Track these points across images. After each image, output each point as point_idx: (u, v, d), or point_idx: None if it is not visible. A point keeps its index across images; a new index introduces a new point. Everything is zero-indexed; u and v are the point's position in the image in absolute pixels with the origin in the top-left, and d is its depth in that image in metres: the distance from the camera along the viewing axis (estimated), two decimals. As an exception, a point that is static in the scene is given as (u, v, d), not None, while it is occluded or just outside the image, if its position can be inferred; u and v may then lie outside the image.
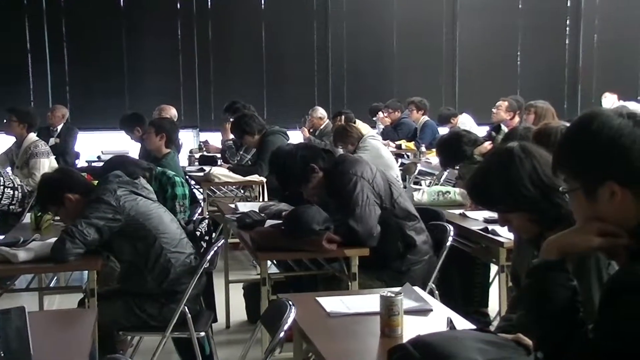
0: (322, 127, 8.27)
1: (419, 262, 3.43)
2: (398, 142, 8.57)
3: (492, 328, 2.27)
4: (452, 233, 3.45)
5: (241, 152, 6.65)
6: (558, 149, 1.58)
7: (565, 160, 1.55)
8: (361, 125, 8.08)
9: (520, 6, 11.22)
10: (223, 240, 3.50)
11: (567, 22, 11.36)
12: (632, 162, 1.44)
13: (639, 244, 1.46)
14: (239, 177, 5.85)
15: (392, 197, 3.43)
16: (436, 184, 5.87)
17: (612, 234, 1.50)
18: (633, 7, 11.29)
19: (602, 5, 11.30)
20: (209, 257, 3.18)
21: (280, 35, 10.60)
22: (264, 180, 5.71)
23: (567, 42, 11.41)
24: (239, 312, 4.37)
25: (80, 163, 7.66)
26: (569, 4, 11.34)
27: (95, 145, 8.65)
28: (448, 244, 3.43)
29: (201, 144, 8.35)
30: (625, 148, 1.44)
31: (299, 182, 3.43)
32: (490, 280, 4.19)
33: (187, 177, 5.69)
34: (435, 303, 2.36)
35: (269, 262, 3.70)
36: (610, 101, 9.74)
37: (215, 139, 8.68)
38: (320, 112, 8.47)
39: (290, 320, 2.08)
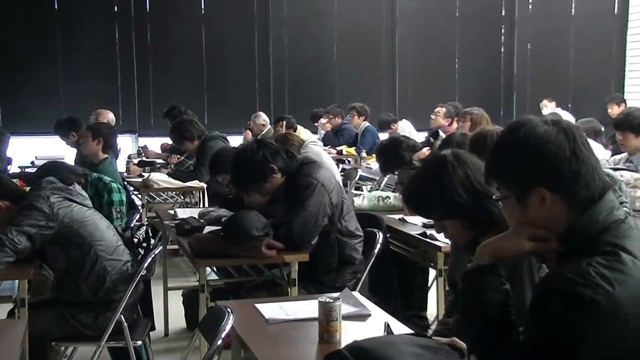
0: (264, 132, 8.28)
1: (355, 279, 3.45)
2: (339, 148, 8.62)
3: (430, 332, 2.30)
4: (381, 240, 3.48)
5: (182, 158, 6.58)
6: (488, 159, 1.62)
7: (496, 169, 1.59)
8: (302, 131, 8.11)
9: (457, 14, 11.45)
10: (161, 247, 3.44)
11: (502, 30, 11.66)
12: (559, 168, 1.49)
13: (568, 248, 1.50)
14: (178, 183, 5.78)
15: (340, 214, 3.44)
16: (376, 189, 5.92)
17: (543, 238, 1.54)
18: (564, 16, 11.67)
19: (534, 14, 11.64)
20: (146, 265, 3.13)
21: (220, 40, 10.52)
22: (204, 186, 5.65)
23: (502, 49, 11.71)
24: (178, 319, 4.31)
25: (13, 169, 7.42)
26: (503, 13, 11.64)
27: (28, 151, 8.39)
28: (376, 250, 3.46)
29: (140, 149, 8.21)
30: (552, 154, 1.49)
31: (256, 181, 3.38)
32: (429, 284, 4.25)
33: (125, 182, 5.58)
34: (373, 308, 2.37)
35: (208, 269, 3.67)
36: (549, 109, 10.05)
37: (154, 144, 8.56)
38: (263, 118, 8.48)
39: (228, 328, 2.06)
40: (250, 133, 8.28)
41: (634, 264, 1.39)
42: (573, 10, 11.69)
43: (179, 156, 6.71)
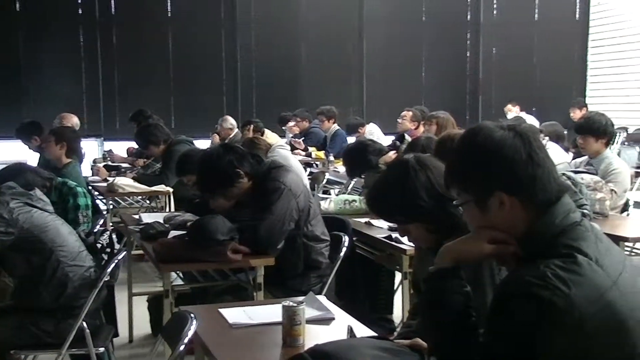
0: (231, 136, 8.24)
1: (321, 283, 3.45)
2: (310, 150, 8.63)
3: (396, 334, 2.31)
4: (347, 243, 3.48)
5: (148, 162, 6.53)
6: (447, 165, 1.63)
7: (455, 175, 1.61)
8: (270, 135, 8.10)
9: (423, 18, 11.56)
10: (125, 252, 3.40)
11: (468, 35, 11.80)
12: (516, 172, 1.51)
13: (527, 251, 1.52)
14: (144, 187, 5.72)
15: (307, 218, 3.44)
16: (344, 193, 5.93)
17: (502, 241, 1.56)
18: (527, 22, 11.85)
19: (499, 19, 11.81)
20: (109, 270, 3.09)
21: (187, 43, 10.47)
22: (170, 190, 5.61)
23: (468, 54, 11.84)
24: (143, 325, 4.27)
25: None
26: (469, 18, 11.78)
27: (-11, 155, 8.25)
28: (342, 253, 3.46)
29: (105, 153, 8.12)
30: (509, 159, 1.51)
31: (222, 186, 3.36)
32: (395, 287, 4.27)
33: (89, 187, 5.51)
34: (338, 311, 2.37)
35: (173, 274, 3.64)
36: (514, 114, 10.19)
37: (120, 148, 8.47)
38: (230, 121, 8.45)
39: (191, 333, 2.05)
40: (217, 137, 8.24)
41: (589, 266, 1.42)
42: (536, 15, 11.89)
43: (145, 160, 6.65)
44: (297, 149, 8.45)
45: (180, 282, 4.06)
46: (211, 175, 3.38)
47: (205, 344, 2.10)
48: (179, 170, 4.57)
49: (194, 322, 2.09)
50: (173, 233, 3.54)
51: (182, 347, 1.99)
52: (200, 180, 3.52)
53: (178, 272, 3.98)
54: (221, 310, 2.38)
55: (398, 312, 4.04)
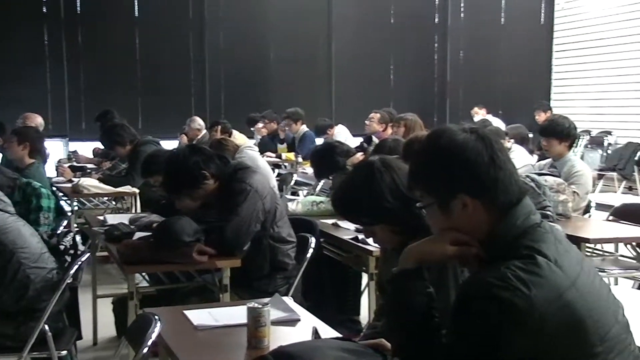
0: (199, 137, 8.20)
1: (287, 284, 3.45)
2: (279, 152, 8.63)
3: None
4: (313, 245, 3.49)
5: (114, 162, 6.46)
6: (410, 168, 1.65)
7: (418, 178, 1.62)
8: (238, 136, 8.07)
9: (392, 21, 11.63)
10: (88, 254, 3.36)
11: (436, 38, 11.91)
12: (479, 174, 1.53)
13: (488, 253, 1.54)
14: (109, 188, 5.66)
15: (274, 219, 3.44)
16: (312, 194, 5.94)
17: (465, 243, 1.57)
18: (494, 25, 12.00)
19: (466, 23, 11.94)
20: (72, 272, 3.04)
21: (155, 43, 10.39)
22: (137, 191, 5.56)
23: (435, 57, 11.95)
24: (107, 328, 4.21)
25: None
26: (436, 21, 11.89)
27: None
28: (309, 255, 3.47)
29: (70, 154, 8.01)
30: (471, 162, 1.52)
31: (188, 187, 3.34)
32: (362, 289, 4.28)
33: (54, 188, 5.43)
34: (303, 313, 2.37)
35: (139, 276, 3.60)
36: (480, 116, 10.31)
37: (86, 148, 8.37)
38: (199, 122, 8.42)
39: (154, 335, 2.03)
40: (185, 137, 8.19)
41: (548, 267, 1.44)
42: (502, 19, 12.04)
43: (110, 161, 6.58)
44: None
45: (146, 284, 4.03)
46: (177, 176, 3.37)
47: (168, 346, 2.08)
48: (145, 170, 4.53)
49: (158, 324, 2.07)
50: (138, 234, 3.51)
51: (145, 350, 1.97)
52: (167, 181, 3.51)
53: (143, 273, 3.95)
54: (186, 312, 2.36)
55: (365, 313, 4.06)
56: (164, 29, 10.46)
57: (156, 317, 2.11)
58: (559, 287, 1.43)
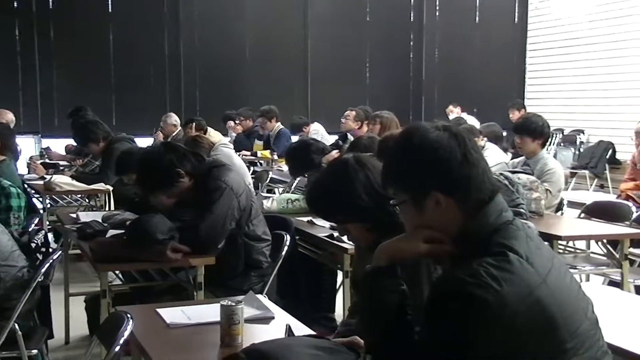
0: (174, 134, 8.16)
1: (262, 282, 3.44)
2: (255, 149, 8.61)
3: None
4: (288, 243, 3.49)
5: (87, 159, 6.40)
6: (384, 165, 1.65)
7: (392, 175, 1.62)
8: (213, 133, 8.03)
9: (368, 19, 11.65)
10: (60, 252, 3.32)
11: (411, 36, 11.96)
12: (452, 172, 1.53)
13: (461, 250, 1.55)
14: (82, 186, 5.60)
15: (249, 217, 3.43)
16: (287, 192, 5.93)
17: (438, 240, 1.58)
18: (468, 24, 12.08)
19: (441, 21, 12.00)
20: (43, 270, 3.01)
21: (129, 39, 10.29)
22: (110, 188, 5.51)
23: (411, 55, 11.99)
24: (80, 326, 4.17)
25: None
26: (412, 19, 11.94)
27: None
28: (284, 252, 3.46)
29: (42, 150, 7.91)
30: (444, 159, 1.53)
31: (162, 185, 3.31)
32: (337, 286, 4.29)
33: (25, 185, 5.36)
34: (277, 310, 2.37)
35: (112, 274, 3.57)
36: (455, 115, 10.36)
37: (58, 145, 8.28)
38: (175, 118, 8.39)
39: (126, 333, 2.01)
40: (161, 134, 8.14)
41: (520, 264, 1.45)
42: (477, 18, 12.13)
43: (83, 159, 6.51)
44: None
45: (119, 282, 4.00)
46: (152, 174, 3.34)
47: (141, 345, 2.07)
48: (119, 169, 4.49)
49: (130, 322, 2.05)
50: (112, 232, 3.48)
51: (117, 349, 1.96)
52: (141, 180, 3.48)
53: (117, 272, 3.91)
54: (159, 310, 2.35)
55: (340, 311, 4.06)
56: (138, 25, 10.37)
57: (128, 315, 2.09)
58: (530, 283, 1.44)
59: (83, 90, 9.72)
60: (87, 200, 6.07)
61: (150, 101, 10.28)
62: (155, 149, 3.46)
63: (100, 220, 3.72)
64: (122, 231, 3.35)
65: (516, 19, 12.22)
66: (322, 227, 3.85)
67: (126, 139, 5.92)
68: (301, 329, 2.11)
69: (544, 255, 1.52)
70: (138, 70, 10.36)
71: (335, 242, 3.54)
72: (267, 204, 4.42)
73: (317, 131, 8.62)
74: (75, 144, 7.05)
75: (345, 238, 3.32)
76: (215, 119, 9.42)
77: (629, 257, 3.97)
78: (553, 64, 11.57)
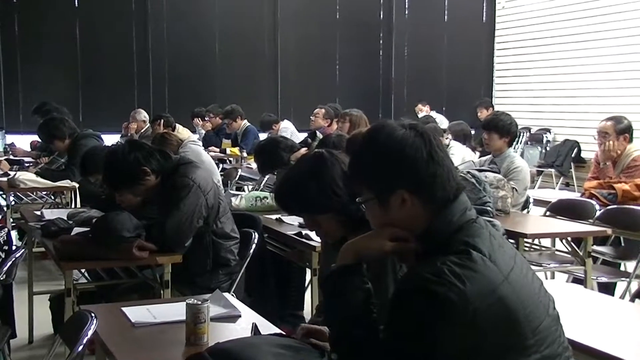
0: (143, 130, 8.10)
1: (230, 280, 3.43)
2: (224, 147, 8.56)
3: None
4: (256, 240, 3.48)
5: (53, 156, 6.30)
6: (350, 163, 1.65)
7: (358, 173, 1.63)
8: (182, 130, 7.97)
9: (337, 16, 11.66)
10: (23, 250, 3.27)
11: (381, 34, 12.00)
12: (418, 170, 1.54)
13: (425, 248, 1.56)
14: (47, 183, 5.51)
15: (217, 215, 3.41)
16: (257, 189, 5.92)
17: (403, 238, 1.58)
18: (437, 23, 12.17)
19: (411, 20, 12.06)
20: (5, 269, 2.96)
21: (96, 35, 10.16)
22: (76, 185, 5.43)
23: (380, 53, 12.04)
24: (44, 325, 4.11)
25: None
26: (381, 17, 11.98)
27: None
28: (251, 250, 3.45)
29: (7, 147, 7.78)
30: (410, 158, 1.54)
31: (128, 184, 3.28)
32: (306, 284, 4.29)
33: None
34: (244, 309, 2.36)
35: (77, 272, 3.52)
36: (424, 113, 10.44)
37: (23, 141, 8.14)
38: (144, 114, 8.36)
39: (90, 333, 1.98)
40: (132, 128, 8.12)
41: (482, 262, 1.47)
42: (446, 17, 12.21)
43: (49, 155, 6.42)
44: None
45: (85, 280, 3.94)
46: (117, 173, 3.31)
47: (105, 344, 2.04)
48: (84, 169, 4.44)
49: (95, 321, 2.02)
50: (77, 230, 3.43)
51: (80, 348, 1.93)
52: (106, 179, 3.45)
53: (83, 270, 3.86)
54: (124, 308, 2.32)
55: (308, 309, 4.06)
56: (105, 20, 10.24)
57: (93, 314, 2.07)
58: (492, 282, 1.45)
59: (49, 85, 9.57)
60: (52, 198, 5.98)
61: (118, 97, 10.17)
62: (120, 148, 3.42)
63: (65, 218, 3.68)
64: (88, 229, 3.31)
65: (484, 19, 12.34)
66: (291, 224, 3.85)
67: (92, 135, 5.86)
68: (268, 328, 2.11)
69: (506, 253, 1.54)
70: (105, 66, 10.24)
71: (303, 239, 3.54)
72: (235, 201, 4.40)
73: (287, 129, 8.61)
74: (40, 140, 6.94)
75: (314, 234, 3.34)
76: (184, 116, 9.35)
77: (592, 254, 4.04)
78: (521, 63, 11.71)
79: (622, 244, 4.55)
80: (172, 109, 9.91)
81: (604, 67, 10.07)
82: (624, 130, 4.71)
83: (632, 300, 2.59)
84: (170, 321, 2.21)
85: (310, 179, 2.07)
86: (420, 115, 10.35)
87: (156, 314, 2.28)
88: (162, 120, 7.98)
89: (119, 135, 8.16)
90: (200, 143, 7.09)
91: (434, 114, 10.45)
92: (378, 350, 1.51)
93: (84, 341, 1.95)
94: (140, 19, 10.52)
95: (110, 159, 3.38)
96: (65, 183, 5.49)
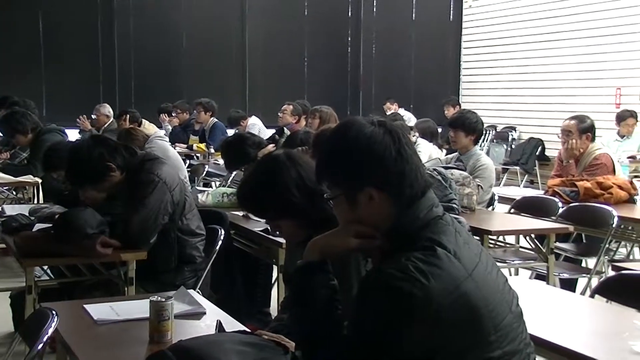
0: (106, 125, 8.02)
1: (195, 277, 3.41)
2: (191, 143, 8.50)
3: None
4: (222, 237, 3.46)
5: (15, 150, 6.19)
6: (318, 159, 1.65)
7: (326, 170, 1.62)
8: (148, 126, 7.91)
9: (306, 13, 11.64)
10: (-19, 247, 3.21)
11: (349, 31, 12.01)
12: (386, 168, 1.54)
13: (392, 245, 1.56)
14: (9, 178, 5.43)
15: (182, 212, 3.37)
16: (224, 186, 5.89)
17: (368, 235, 1.59)
18: (405, 21, 12.21)
19: (379, 17, 12.09)
20: (-36, 266, 2.90)
21: (60, 28, 10.00)
22: (39, 181, 5.35)
23: (349, 50, 12.06)
24: (5, 323, 4.04)
25: None
26: (350, 14, 12.00)
27: None
28: (217, 247, 3.44)
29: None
30: (379, 155, 1.54)
31: (93, 180, 3.23)
32: (273, 281, 4.28)
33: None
34: (209, 306, 2.34)
35: (39, 269, 3.47)
36: (392, 111, 10.49)
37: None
38: (108, 109, 8.29)
39: (50, 330, 1.95)
40: (87, 124, 8.08)
41: (447, 258, 1.48)
42: (414, 15, 12.28)
43: (11, 150, 6.30)
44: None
45: (47, 277, 3.88)
46: (81, 169, 3.26)
47: (66, 342, 2.01)
48: (47, 164, 4.36)
49: (55, 318, 1.99)
50: (39, 226, 3.38)
51: (40, 346, 1.89)
52: (70, 175, 3.39)
53: (45, 267, 3.80)
54: (86, 306, 2.29)
55: (275, 305, 4.05)
56: (69, 14, 10.08)
57: (53, 312, 2.03)
58: (456, 278, 1.46)
59: (11, 79, 9.39)
60: (14, 193, 5.87)
61: (83, 92, 10.02)
62: (84, 144, 3.36)
63: (26, 214, 3.63)
64: (50, 225, 3.26)
65: (451, 18, 12.43)
66: (258, 221, 3.82)
67: (56, 130, 5.76)
68: (233, 325, 2.09)
69: (471, 250, 1.55)
70: (70, 60, 10.07)
71: (270, 236, 3.53)
72: (201, 197, 4.37)
73: (255, 125, 8.58)
74: (1, 134, 6.81)
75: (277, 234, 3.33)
76: (151, 112, 9.26)
77: (555, 251, 4.10)
78: (487, 62, 11.83)
79: (584, 241, 4.63)
80: (138, 105, 9.80)
81: (568, 67, 10.23)
82: (586, 130, 4.78)
83: (592, 296, 2.63)
84: (133, 318, 2.19)
85: (264, 186, 2.07)
86: (388, 113, 10.40)
87: (119, 311, 2.26)
88: (128, 116, 7.92)
89: (77, 131, 8.07)
90: (167, 139, 7.02)
91: (402, 111, 10.51)
92: (342, 347, 1.51)
93: (44, 339, 1.92)
94: (105, 12, 10.37)
95: (74, 155, 3.32)
96: (28, 178, 5.41)
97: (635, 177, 6.70)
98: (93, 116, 8.30)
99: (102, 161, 3.20)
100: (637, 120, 7.94)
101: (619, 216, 4.03)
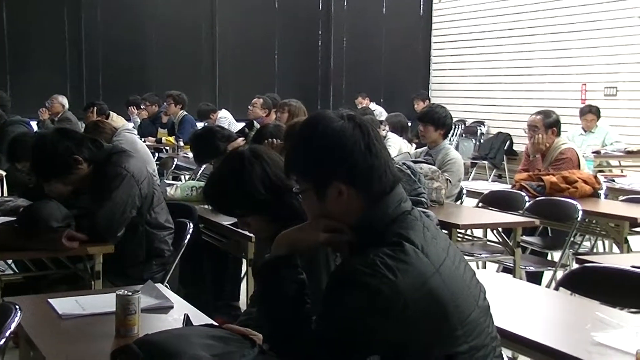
0: (60, 114, 8.03)
1: (163, 271, 3.38)
2: (160, 136, 8.44)
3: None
4: (191, 230, 3.44)
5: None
6: (288, 153, 1.64)
7: (295, 164, 1.62)
8: (116, 118, 7.81)
9: (276, 6, 11.60)
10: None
11: (320, 25, 12.00)
12: (355, 162, 1.54)
13: (360, 240, 1.56)
14: (-28, 171, 5.32)
15: (150, 205, 3.34)
16: (193, 179, 5.84)
17: (337, 230, 1.58)
18: (375, 15, 12.24)
19: (349, 11, 12.10)
20: None
21: (25, 19, 9.81)
22: (3, 174, 5.26)
23: (319, 44, 12.04)
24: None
25: None
26: (320, 8, 11.98)
27: None
28: (186, 241, 3.41)
29: None
30: (348, 149, 1.53)
31: (59, 173, 3.18)
32: (242, 274, 4.27)
33: None
34: (177, 300, 2.33)
35: (3, 263, 3.41)
36: (364, 106, 10.50)
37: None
38: (64, 99, 8.37)
39: (14, 325, 1.91)
40: (46, 113, 8.03)
41: (415, 254, 1.48)
42: (384, 9, 12.30)
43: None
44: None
45: (11, 271, 3.81)
46: (46, 162, 3.20)
47: (29, 337, 1.98)
48: (11, 156, 4.28)
49: (19, 313, 1.96)
50: (2, 219, 3.33)
51: (2, 342, 1.86)
52: (35, 167, 3.33)
53: (9, 261, 3.74)
54: (51, 300, 2.25)
55: (244, 299, 4.04)
56: (35, 4, 9.90)
57: (17, 306, 2.00)
58: (423, 273, 1.47)
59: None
60: (-22, 186, 5.77)
61: (50, 84, 9.84)
62: (49, 136, 3.30)
63: (-10, 207, 3.56)
64: (14, 218, 3.20)
65: (421, 12, 12.49)
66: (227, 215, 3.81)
67: (21, 122, 5.67)
68: (201, 319, 2.08)
69: (439, 245, 1.55)
70: (35, 51, 9.90)
71: (239, 230, 3.51)
72: (170, 191, 4.33)
73: (225, 118, 8.53)
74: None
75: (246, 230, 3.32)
76: (119, 104, 9.15)
77: (521, 244, 4.15)
78: (456, 57, 11.92)
79: (550, 234, 4.69)
80: (106, 97, 9.68)
81: (536, 62, 10.36)
82: (552, 124, 4.84)
83: (557, 288, 2.67)
84: (99, 313, 2.16)
85: (230, 183, 2.06)
86: (359, 107, 10.42)
87: (85, 305, 2.23)
88: (96, 108, 7.81)
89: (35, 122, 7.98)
90: (136, 132, 6.95)
91: (373, 105, 10.55)
92: (310, 341, 1.51)
93: (7, 334, 1.89)
94: (72, 4, 10.21)
95: (39, 148, 3.26)
96: (-8, 171, 5.32)
97: (600, 171, 6.82)
98: (47, 104, 8.23)
99: (68, 154, 3.15)
100: (597, 116, 8.06)
101: (583, 210, 4.09)
